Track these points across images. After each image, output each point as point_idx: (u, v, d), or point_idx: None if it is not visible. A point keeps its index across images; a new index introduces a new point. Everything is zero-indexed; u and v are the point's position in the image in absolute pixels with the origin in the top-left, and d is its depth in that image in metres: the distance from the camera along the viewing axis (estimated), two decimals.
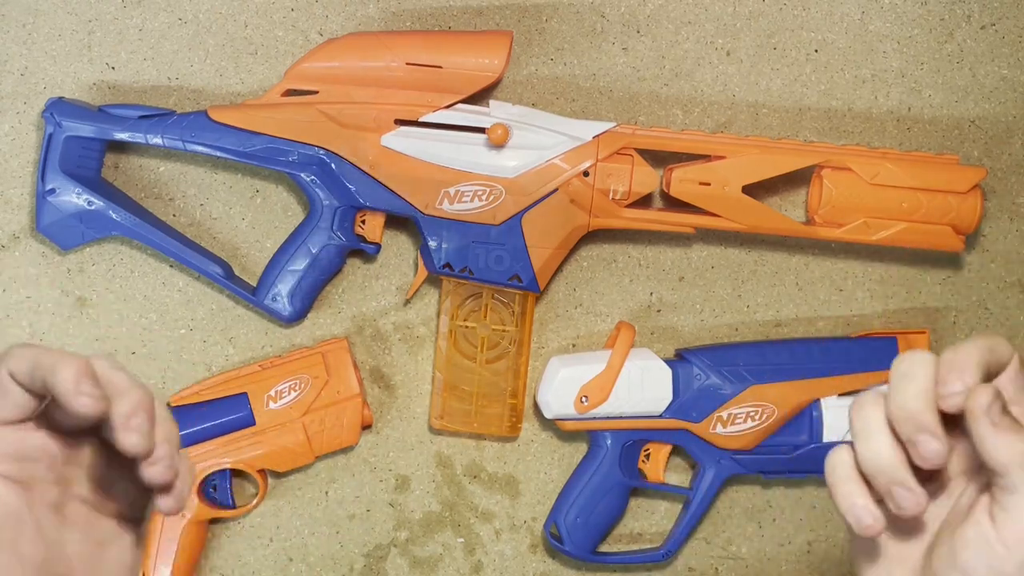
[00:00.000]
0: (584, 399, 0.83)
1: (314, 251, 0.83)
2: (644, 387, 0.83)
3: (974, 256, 0.90)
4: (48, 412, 0.48)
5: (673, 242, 0.88)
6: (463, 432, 0.88)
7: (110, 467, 0.51)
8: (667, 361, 0.84)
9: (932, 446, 0.47)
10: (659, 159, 0.83)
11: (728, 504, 0.89)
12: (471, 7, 0.86)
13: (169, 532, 0.83)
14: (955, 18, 0.89)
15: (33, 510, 0.47)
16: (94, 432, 0.49)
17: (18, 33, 0.85)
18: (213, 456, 0.83)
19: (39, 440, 0.48)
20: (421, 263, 0.84)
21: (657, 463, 0.86)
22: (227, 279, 0.84)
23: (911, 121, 0.89)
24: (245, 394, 0.83)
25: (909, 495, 0.48)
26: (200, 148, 0.81)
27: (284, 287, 0.84)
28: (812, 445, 0.85)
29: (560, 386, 0.84)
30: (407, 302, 0.87)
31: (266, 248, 0.87)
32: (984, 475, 0.49)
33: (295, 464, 0.85)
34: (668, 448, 0.86)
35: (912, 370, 0.48)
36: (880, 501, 0.49)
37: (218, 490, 0.85)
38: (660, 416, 0.84)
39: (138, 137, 0.81)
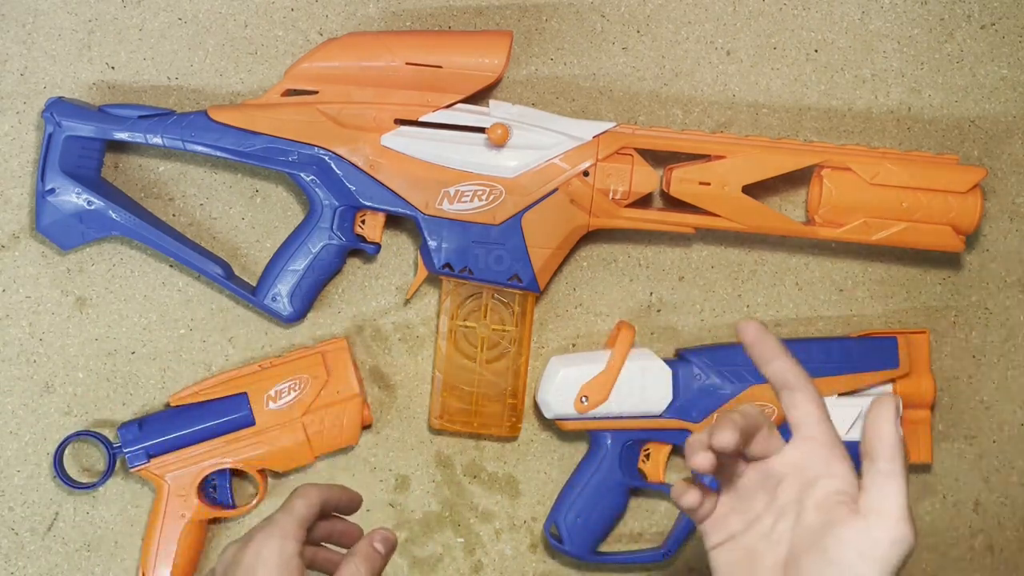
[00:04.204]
0: (584, 399, 0.83)
1: (314, 251, 0.83)
2: (644, 387, 0.83)
3: (974, 256, 0.90)
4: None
5: (673, 242, 0.88)
6: (463, 432, 0.88)
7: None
8: (667, 361, 0.84)
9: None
10: (659, 159, 0.83)
11: None
12: (471, 7, 0.86)
13: (169, 532, 0.83)
14: (955, 18, 0.89)
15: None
16: None
17: (18, 33, 0.85)
18: (213, 456, 0.83)
19: None
20: (421, 263, 0.84)
21: (657, 463, 0.86)
22: (227, 279, 0.84)
23: (911, 121, 0.89)
24: (245, 394, 0.83)
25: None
26: (200, 148, 0.81)
27: (284, 287, 0.84)
28: None
29: (560, 386, 0.84)
30: (407, 302, 0.87)
31: (266, 248, 0.87)
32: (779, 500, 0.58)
33: (295, 464, 0.85)
34: (668, 448, 0.86)
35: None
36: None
37: (218, 490, 0.85)
38: (660, 416, 0.84)
39: (138, 137, 0.81)
